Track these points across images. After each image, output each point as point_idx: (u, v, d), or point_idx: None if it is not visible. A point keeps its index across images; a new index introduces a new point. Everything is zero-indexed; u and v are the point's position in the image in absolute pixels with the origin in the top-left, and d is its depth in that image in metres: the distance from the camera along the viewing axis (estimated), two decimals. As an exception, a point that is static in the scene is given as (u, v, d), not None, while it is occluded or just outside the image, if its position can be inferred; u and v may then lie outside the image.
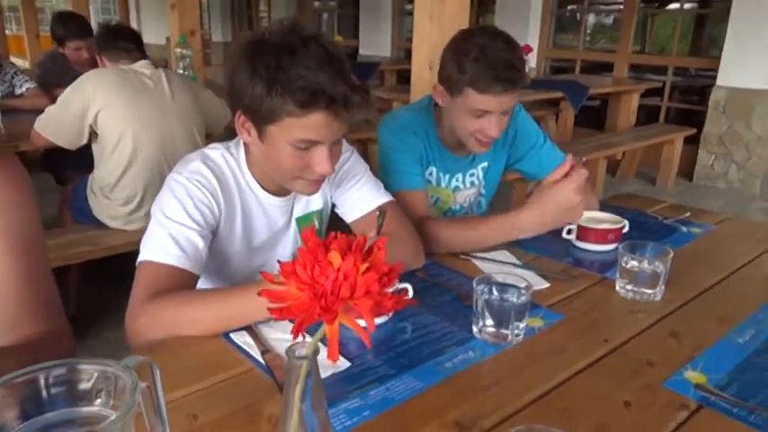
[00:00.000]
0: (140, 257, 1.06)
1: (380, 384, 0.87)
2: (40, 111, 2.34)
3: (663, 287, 1.16)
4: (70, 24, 3.45)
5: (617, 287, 1.20)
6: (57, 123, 2.27)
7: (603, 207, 1.56)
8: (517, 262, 1.34)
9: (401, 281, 1.14)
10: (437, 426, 0.78)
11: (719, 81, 4.84)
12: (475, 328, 1.01)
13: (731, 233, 1.58)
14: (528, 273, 1.25)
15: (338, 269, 0.50)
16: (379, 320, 1.04)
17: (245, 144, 1.18)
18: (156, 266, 1.04)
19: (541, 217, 1.34)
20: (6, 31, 9.18)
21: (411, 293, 1.09)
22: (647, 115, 5.75)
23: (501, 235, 1.39)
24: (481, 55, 1.34)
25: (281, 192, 1.23)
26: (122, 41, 2.45)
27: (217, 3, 10.55)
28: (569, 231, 1.43)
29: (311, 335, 0.57)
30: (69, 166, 2.92)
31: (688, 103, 5.78)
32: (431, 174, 1.59)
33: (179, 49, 3.57)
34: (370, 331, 0.50)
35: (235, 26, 10.63)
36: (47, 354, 0.62)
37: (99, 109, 2.18)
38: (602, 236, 1.40)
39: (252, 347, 0.95)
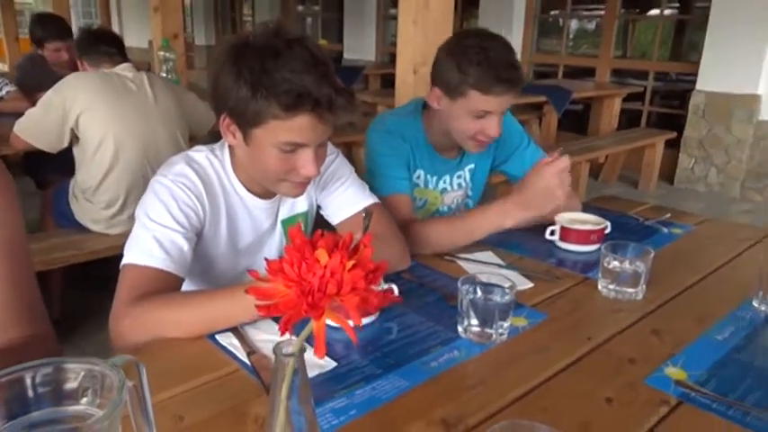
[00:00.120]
0: (124, 260, 1.05)
1: (367, 384, 0.87)
2: (20, 114, 2.31)
3: (644, 286, 1.18)
4: (49, 25, 3.42)
5: (599, 287, 1.22)
6: (37, 126, 2.24)
7: (586, 208, 1.58)
8: (501, 263, 1.35)
9: (387, 282, 1.15)
10: (423, 424, 0.79)
11: (699, 85, 4.92)
12: (460, 328, 1.02)
13: (711, 234, 1.61)
14: (512, 273, 1.26)
15: (325, 266, 0.51)
16: (365, 321, 1.04)
17: (229, 146, 1.18)
18: (141, 269, 1.03)
19: (525, 201, 1.34)
20: (-15, 34, 9.05)
21: (396, 293, 1.10)
22: (628, 119, 5.83)
23: (488, 224, 1.39)
24: (483, 57, 1.36)
25: (266, 194, 1.23)
26: (104, 46, 2.43)
27: (200, 6, 10.50)
28: (552, 232, 1.45)
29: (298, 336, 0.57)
30: (50, 169, 2.89)
31: (669, 107, 5.87)
32: (419, 177, 1.60)
33: (162, 53, 3.55)
34: (357, 327, 0.51)
35: (218, 29, 10.58)
36: (31, 357, 0.61)
37: (80, 112, 2.17)
38: (584, 237, 1.42)
39: (238, 349, 0.95)
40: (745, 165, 4.78)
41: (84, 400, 0.51)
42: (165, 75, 3.48)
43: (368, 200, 1.32)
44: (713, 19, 4.75)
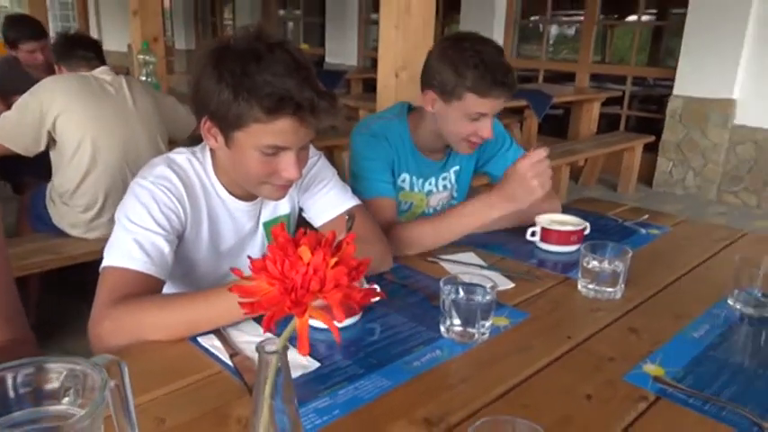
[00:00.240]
0: (104, 263, 1.04)
1: (350, 384, 0.87)
2: (-5, 117, 2.28)
3: (623, 286, 1.20)
4: (22, 26, 3.37)
5: (579, 286, 1.23)
6: (13, 129, 2.21)
7: (566, 210, 1.60)
8: (483, 263, 1.36)
9: (368, 284, 1.15)
10: (406, 423, 0.80)
11: (676, 90, 5.01)
12: (442, 328, 1.03)
13: (687, 235, 1.64)
14: (493, 273, 1.27)
15: (308, 263, 0.51)
16: (348, 321, 1.05)
17: (210, 149, 1.18)
18: (121, 272, 1.03)
19: (506, 194, 1.34)
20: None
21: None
22: (607, 123, 5.90)
23: (473, 218, 1.40)
24: (479, 61, 1.38)
25: (247, 196, 1.23)
26: (81, 50, 2.40)
27: (180, 10, 10.42)
28: (533, 234, 1.47)
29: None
30: (27, 173, 2.84)
31: (647, 111, 5.95)
32: (404, 180, 1.61)
33: (142, 56, 3.52)
34: (341, 324, 0.51)
35: (198, 34, 10.52)
36: (10, 360, 0.61)
37: (57, 114, 2.14)
38: (564, 237, 1.44)
39: (220, 350, 0.95)
40: (722, 168, 4.87)
41: (66, 399, 0.51)
42: (144, 78, 3.45)
43: (350, 202, 1.32)
44: (689, 25, 4.84)
